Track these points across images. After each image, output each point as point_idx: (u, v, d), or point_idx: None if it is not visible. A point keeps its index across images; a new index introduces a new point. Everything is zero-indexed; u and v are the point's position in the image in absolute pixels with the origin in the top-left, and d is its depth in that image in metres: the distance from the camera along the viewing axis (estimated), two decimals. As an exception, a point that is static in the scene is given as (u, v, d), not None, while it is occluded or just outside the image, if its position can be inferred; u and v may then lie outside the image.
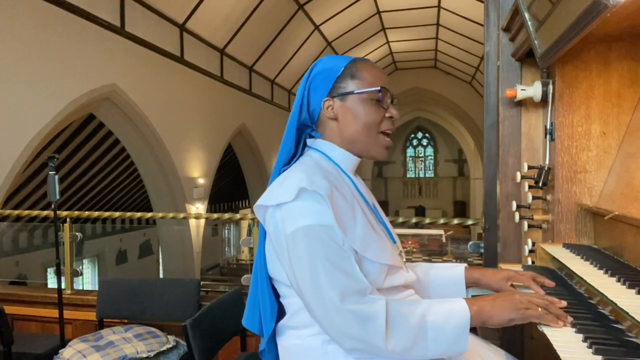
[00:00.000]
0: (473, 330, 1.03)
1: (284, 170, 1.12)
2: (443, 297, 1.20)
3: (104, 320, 2.50)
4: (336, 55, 1.19)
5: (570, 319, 0.95)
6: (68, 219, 2.91)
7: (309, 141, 1.17)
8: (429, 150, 23.65)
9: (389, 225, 1.20)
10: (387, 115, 1.11)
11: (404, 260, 1.16)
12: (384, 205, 11.29)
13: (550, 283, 1.14)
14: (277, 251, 1.03)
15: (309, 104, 1.14)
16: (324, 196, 0.97)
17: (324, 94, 1.12)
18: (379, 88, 1.10)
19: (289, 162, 1.14)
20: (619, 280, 1.03)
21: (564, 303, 0.99)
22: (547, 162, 1.52)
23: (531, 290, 1.11)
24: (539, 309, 0.96)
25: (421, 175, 23.67)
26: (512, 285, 1.19)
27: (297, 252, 0.98)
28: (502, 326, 0.99)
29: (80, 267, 9.84)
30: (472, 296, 1.24)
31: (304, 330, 1.05)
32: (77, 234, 2.94)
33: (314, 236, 0.97)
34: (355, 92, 1.10)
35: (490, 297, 1.03)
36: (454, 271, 1.27)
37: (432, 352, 0.94)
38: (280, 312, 1.12)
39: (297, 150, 1.16)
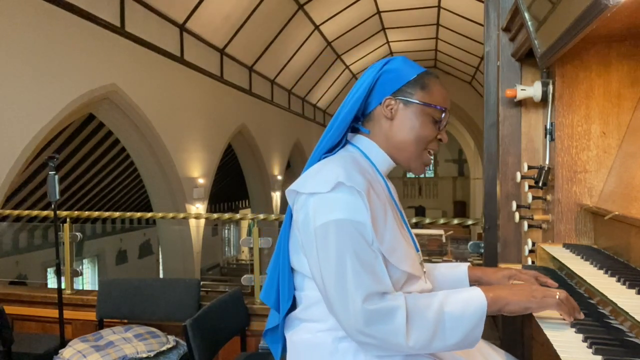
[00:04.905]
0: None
1: (324, 157, 1.10)
2: None
3: (104, 320, 2.51)
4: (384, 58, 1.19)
5: (581, 315, 0.96)
6: (68, 219, 2.91)
7: (349, 135, 1.16)
8: (429, 150, 23.62)
9: (412, 233, 1.19)
10: (438, 136, 1.12)
11: (424, 270, 1.15)
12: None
13: (553, 283, 1.13)
14: (302, 241, 1.02)
15: (370, 96, 1.12)
16: (361, 193, 0.96)
17: (389, 92, 1.10)
18: (444, 108, 1.10)
19: (331, 150, 1.12)
20: (619, 280, 1.03)
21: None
22: (547, 162, 1.52)
23: None
24: (556, 297, 0.96)
25: (421, 175, 23.65)
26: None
27: (325, 245, 0.96)
28: (518, 314, 0.98)
29: (80, 267, 9.84)
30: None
31: (316, 324, 1.05)
32: (77, 234, 2.95)
33: (344, 231, 0.95)
34: (422, 102, 1.09)
35: (506, 285, 1.03)
36: (457, 270, 1.27)
37: (450, 342, 0.94)
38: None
39: (342, 140, 1.14)
